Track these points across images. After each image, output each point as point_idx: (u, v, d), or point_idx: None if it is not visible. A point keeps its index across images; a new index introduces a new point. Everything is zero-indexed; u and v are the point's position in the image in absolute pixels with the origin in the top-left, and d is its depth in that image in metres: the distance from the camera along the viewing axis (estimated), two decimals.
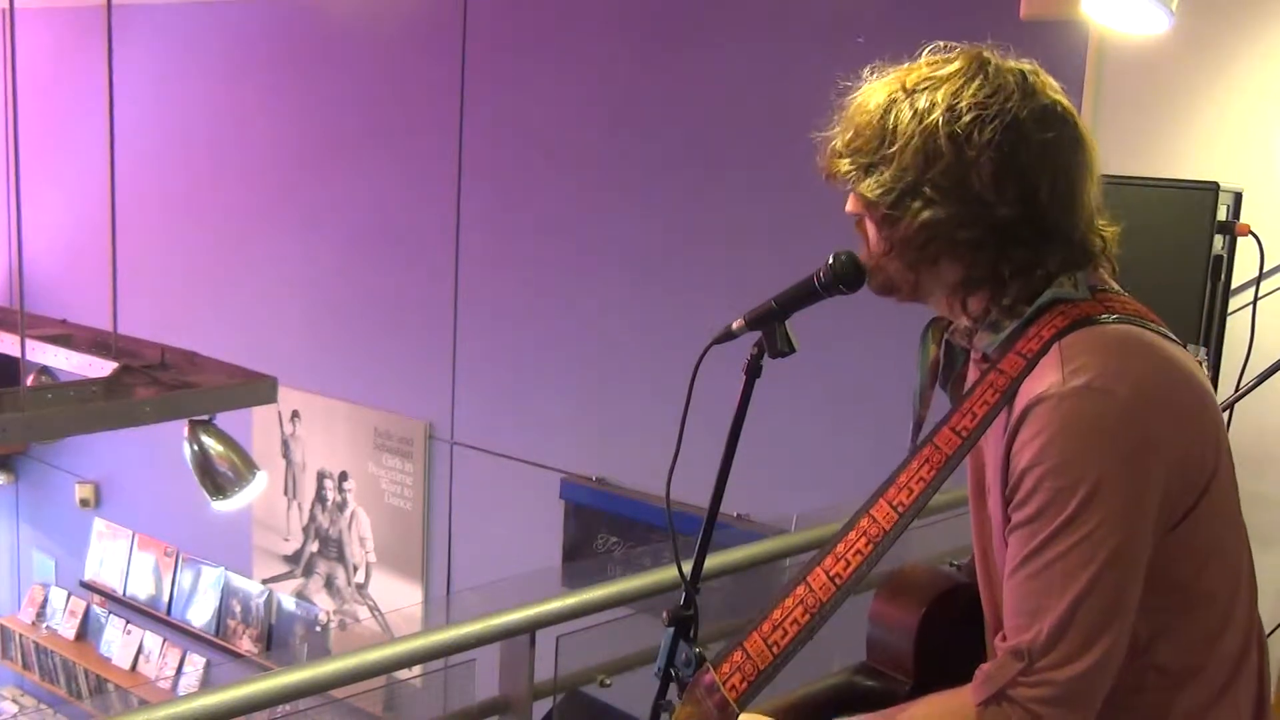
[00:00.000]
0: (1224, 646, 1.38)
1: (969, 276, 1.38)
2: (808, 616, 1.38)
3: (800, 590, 1.41)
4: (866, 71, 1.42)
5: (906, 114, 1.35)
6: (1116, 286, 1.43)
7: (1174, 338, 1.41)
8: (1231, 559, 1.40)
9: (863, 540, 1.38)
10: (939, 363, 1.50)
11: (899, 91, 1.37)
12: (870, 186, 1.37)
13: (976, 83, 1.34)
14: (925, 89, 1.35)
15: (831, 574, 1.39)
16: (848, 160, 1.40)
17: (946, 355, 1.48)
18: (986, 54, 1.38)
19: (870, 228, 1.43)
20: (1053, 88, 1.38)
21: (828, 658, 1.70)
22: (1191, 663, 1.37)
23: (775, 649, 1.40)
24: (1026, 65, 1.38)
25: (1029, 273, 1.36)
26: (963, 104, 1.33)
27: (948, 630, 1.54)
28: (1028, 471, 1.29)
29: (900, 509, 1.37)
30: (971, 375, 1.49)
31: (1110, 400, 1.27)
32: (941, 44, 1.41)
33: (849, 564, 1.38)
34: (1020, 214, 1.33)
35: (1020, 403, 1.31)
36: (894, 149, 1.35)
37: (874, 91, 1.39)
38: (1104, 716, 1.31)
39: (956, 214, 1.33)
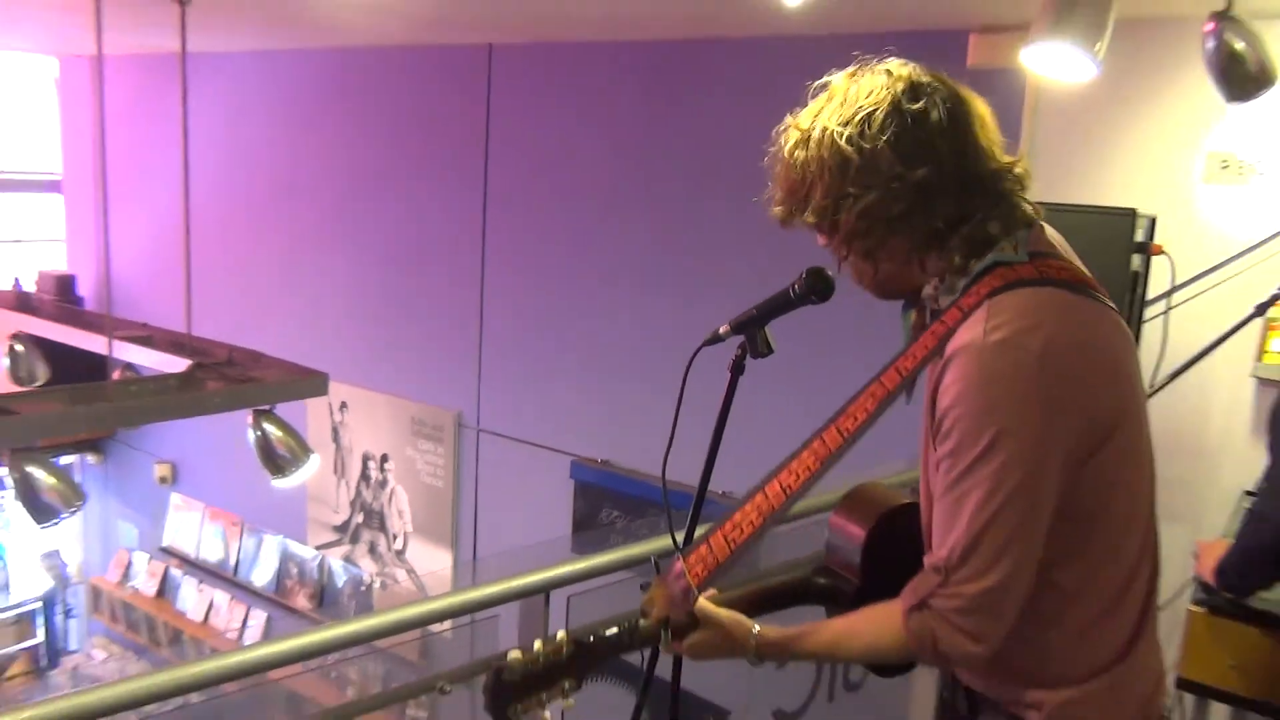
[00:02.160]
0: (1111, 573, 1.38)
1: (914, 243, 1.39)
2: (761, 519, 1.42)
3: (759, 498, 1.43)
4: (774, 133, 1.44)
5: (811, 148, 1.38)
6: (1059, 250, 1.42)
7: (1105, 301, 1.40)
8: (1132, 497, 1.39)
9: (812, 458, 1.40)
10: (923, 325, 1.49)
11: (798, 135, 1.40)
12: (810, 215, 1.40)
13: (852, 92, 1.37)
14: (816, 121, 1.38)
15: (784, 485, 1.42)
16: (784, 208, 1.43)
17: (932, 317, 1.47)
18: (853, 69, 1.41)
19: (834, 245, 1.43)
20: (915, 68, 1.39)
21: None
22: (1083, 583, 1.37)
23: (732, 545, 1.43)
24: (892, 62, 1.40)
25: (962, 224, 1.36)
26: (848, 113, 1.35)
27: (891, 542, 1.54)
28: (948, 411, 1.30)
29: (845, 434, 1.39)
30: None
31: (1022, 355, 1.27)
32: (818, 81, 1.43)
33: (799, 477, 1.41)
34: (931, 172, 1.33)
35: (949, 349, 1.31)
36: (812, 178, 1.38)
37: (783, 145, 1.42)
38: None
39: (880, 195, 1.34)
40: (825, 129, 1.36)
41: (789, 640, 1.47)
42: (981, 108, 1.39)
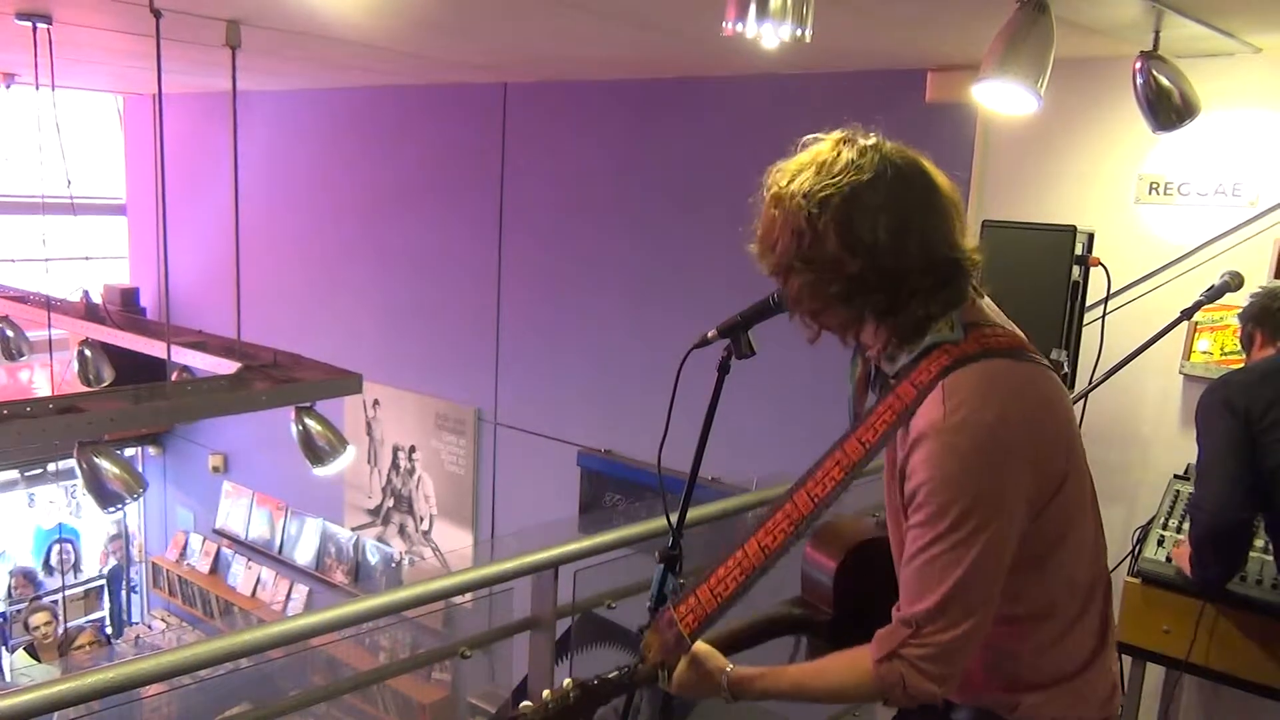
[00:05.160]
0: (1067, 601, 1.38)
1: (848, 318, 1.35)
2: (744, 576, 1.38)
3: (739, 554, 1.39)
4: (765, 174, 1.36)
5: (781, 207, 1.32)
6: (992, 317, 1.38)
7: (1039, 360, 1.36)
8: (1081, 534, 1.38)
9: (786, 521, 1.37)
10: (866, 376, 1.48)
11: (777, 190, 1.33)
12: (765, 267, 1.36)
13: (829, 165, 1.29)
14: (792, 183, 1.30)
15: (762, 545, 1.38)
16: (757, 249, 1.37)
17: (876, 374, 1.45)
18: (843, 133, 1.33)
19: (787, 300, 1.40)
20: (892, 152, 1.29)
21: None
22: (1042, 612, 1.36)
23: (719, 599, 1.39)
24: (871, 140, 1.31)
25: (895, 312, 1.31)
26: (815, 186, 1.28)
27: (861, 573, 1.52)
28: (920, 486, 1.27)
29: (815, 500, 1.35)
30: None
31: (980, 432, 1.25)
32: (811, 137, 1.35)
33: (775, 539, 1.37)
34: (864, 266, 1.27)
35: (914, 430, 1.28)
36: (777, 235, 1.33)
37: (767, 194, 1.35)
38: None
39: (819, 276, 1.30)
40: (794, 196, 1.29)
41: (756, 679, 1.44)
42: (946, 191, 1.31)
